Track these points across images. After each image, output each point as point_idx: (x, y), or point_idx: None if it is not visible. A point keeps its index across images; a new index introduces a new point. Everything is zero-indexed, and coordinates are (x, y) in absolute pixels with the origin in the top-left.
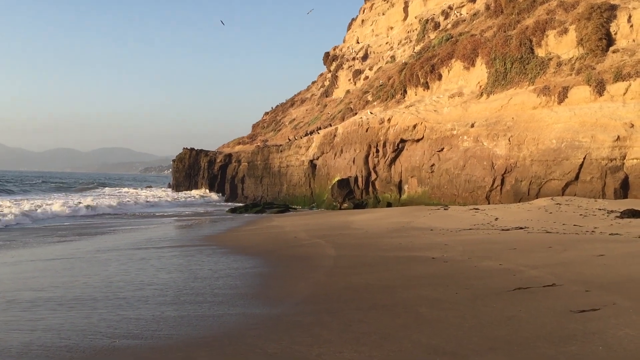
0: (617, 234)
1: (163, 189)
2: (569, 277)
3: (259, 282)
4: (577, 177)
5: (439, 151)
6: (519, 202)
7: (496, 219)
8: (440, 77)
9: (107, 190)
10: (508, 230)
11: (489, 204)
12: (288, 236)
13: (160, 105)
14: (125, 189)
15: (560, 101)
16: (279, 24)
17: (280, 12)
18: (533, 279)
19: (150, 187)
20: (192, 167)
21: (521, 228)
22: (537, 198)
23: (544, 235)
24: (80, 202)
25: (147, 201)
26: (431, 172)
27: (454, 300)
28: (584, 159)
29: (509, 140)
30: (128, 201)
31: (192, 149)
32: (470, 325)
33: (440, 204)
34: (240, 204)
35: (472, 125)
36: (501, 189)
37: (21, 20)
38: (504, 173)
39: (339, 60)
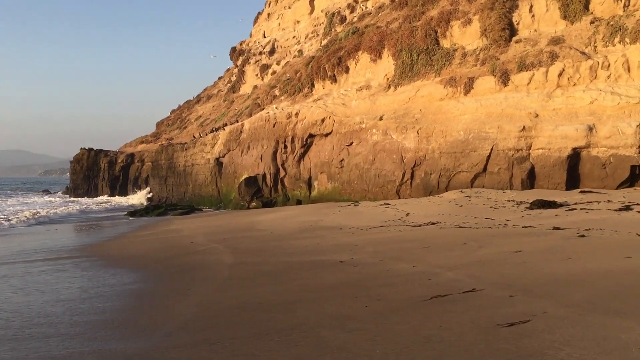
0: (530, 226)
1: (60, 193)
2: (489, 279)
3: (133, 303)
4: (485, 169)
5: (348, 145)
6: (429, 195)
7: (407, 214)
8: (347, 70)
9: None
10: (420, 226)
11: (399, 198)
12: (184, 242)
13: (59, 103)
14: None
15: (467, 92)
16: (185, 16)
17: (189, 4)
18: (450, 283)
19: (47, 191)
20: (91, 169)
21: (433, 223)
22: (446, 191)
23: (457, 230)
24: None
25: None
26: (341, 167)
27: (363, 317)
28: (491, 150)
29: (418, 132)
30: None
31: (90, 149)
32: (383, 352)
33: (350, 200)
34: (140, 207)
35: (381, 118)
36: (411, 182)
37: None
38: (414, 166)
39: (245, 55)
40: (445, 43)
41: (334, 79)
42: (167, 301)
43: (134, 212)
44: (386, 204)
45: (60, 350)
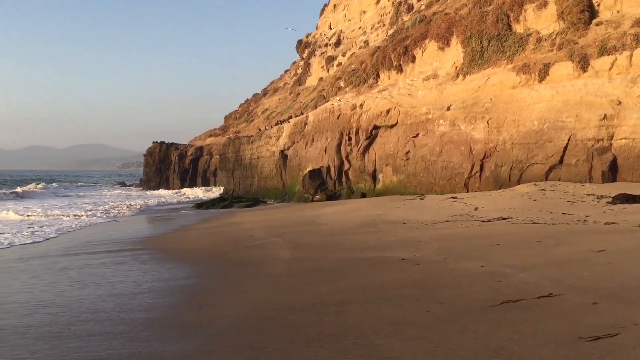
0: (613, 222)
1: (134, 186)
2: (567, 282)
3: (184, 300)
4: (561, 161)
5: (414, 137)
6: (500, 188)
7: (476, 208)
8: (413, 59)
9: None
10: (490, 221)
11: (467, 191)
12: (244, 235)
13: (136, 100)
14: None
15: (541, 79)
16: (254, 11)
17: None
18: (523, 286)
19: (123, 183)
20: (162, 162)
21: (504, 219)
22: (518, 184)
23: (531, 226)
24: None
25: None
26: (406, 159)
27: (424, 323)
28: (569, 140)
29: (488, 123)
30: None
31: (161, 143)
32: None
33: (416, 193)
34: (207, 198)
35: (448, 109)
36: (480, 175)
37: None
38: (483, 158)
39: (311, 47)
40: (518, 28)
41: (399, 69)
42: (218, 299)
43: (201, 205)
44: (453, 198)
45: (99, 352)
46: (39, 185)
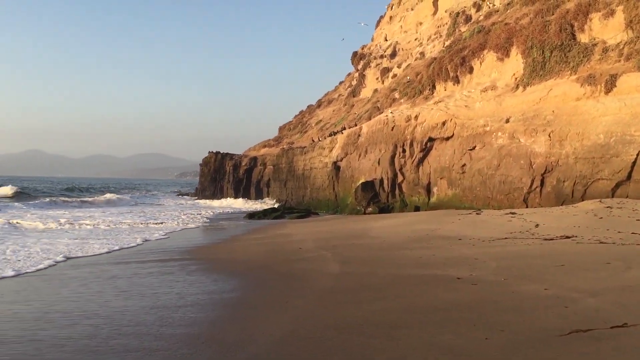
0: None
1: (189, 195)
2: None
3: (226, 314)
4: (629, 177)
5: (471, 150)
6: (562, 205)
7: (537, 225)
8: (471, 70)
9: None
10: (552, 239)
11: (527, 207)
12: (293, 247)
13: (193, 110)
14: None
15: (608, 91)
16: (308, 25)
17: (312, 12)
18: (593, 313)
19: (179, 192)
20: (217, 171)
21: (568, 237)
22: (582, 200)
23: (598, 246)
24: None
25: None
26: (462, 172)
27: (482, 353)
28: (638, 155)
29: (549, 136)
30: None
31: (217, 153)
32: None
33: (472, 208)
34: (260, 209)
35: (507, 121)
36: (541, 190)
37: (57, 26)
38: (544, 173)
39: (366, 58)
40: (583, 37)
41: (456, 80)
42: (261, 314)
43: (252, 215)
44: (512, 213)
45: None
46: (108, 195)
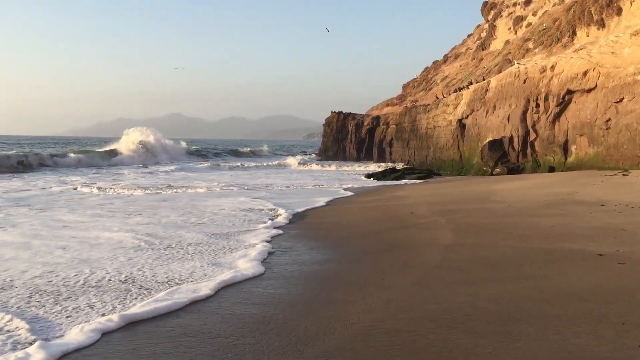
0: None
1: (314, 155)
2: None
3: (309, 293)
4: None
5: (617, 102)
6: None
7: None
8: (619, 12)
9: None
10: None
11: None
12: (404, 211)
13: (322, 71)
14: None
15: None
16: None
17: None
18: None
19: (304, 152)
20: (339, 132)
21: None
22: None
23: None
24: None
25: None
26: (606, 128)
27: None
28: None
29: None
30: None
31: (339, 113)
32: None
33: (618, 169)
34: (380, 170)
35: None
36: None
37: None
38: None
39: (497, 7)
40: None
41: (601, 24)
42: (349, 296)
43: (371, 175)
44: None
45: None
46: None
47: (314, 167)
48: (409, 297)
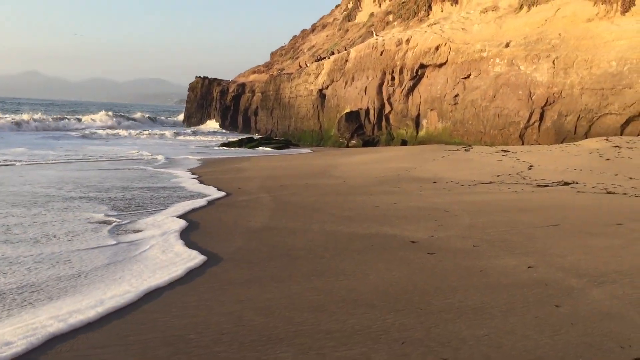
0: None
1: (176, 121)
2: None
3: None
4: None
5: (465, 78)
6: (562, 142)
7: (530, 167)
8: None
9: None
10: (547, 186)
11: (522, 144)
12: (232, 186)
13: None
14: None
15: (625, 10)
16: None
17: None
18: (603, 319)
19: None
20: (204, 98)
21: (567, 184)
22: (586, 138)
23: (604, 198)
24: None
25: None
26: (454, 104)
27: None
28: None
29: (553, 62)
30: None
31: (204, 78)
32: None
33: (463, 144)
34: (235, 139)
35: (507, 45)
36: (539, 125)
37: None
38: (545, 105)
39: None
40: None
41: (455, 0)
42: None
43: (227, 144)
44: (504, 151)
45: None
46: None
47: (168, 134)
48: (157, 312)
